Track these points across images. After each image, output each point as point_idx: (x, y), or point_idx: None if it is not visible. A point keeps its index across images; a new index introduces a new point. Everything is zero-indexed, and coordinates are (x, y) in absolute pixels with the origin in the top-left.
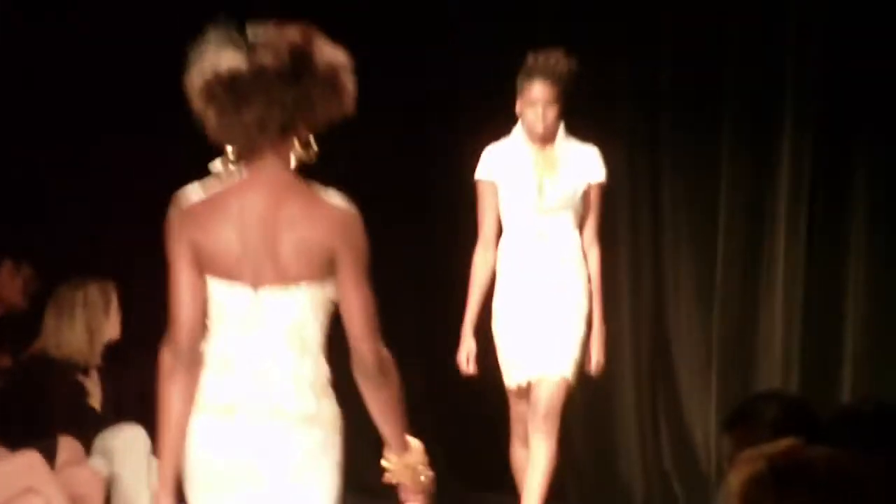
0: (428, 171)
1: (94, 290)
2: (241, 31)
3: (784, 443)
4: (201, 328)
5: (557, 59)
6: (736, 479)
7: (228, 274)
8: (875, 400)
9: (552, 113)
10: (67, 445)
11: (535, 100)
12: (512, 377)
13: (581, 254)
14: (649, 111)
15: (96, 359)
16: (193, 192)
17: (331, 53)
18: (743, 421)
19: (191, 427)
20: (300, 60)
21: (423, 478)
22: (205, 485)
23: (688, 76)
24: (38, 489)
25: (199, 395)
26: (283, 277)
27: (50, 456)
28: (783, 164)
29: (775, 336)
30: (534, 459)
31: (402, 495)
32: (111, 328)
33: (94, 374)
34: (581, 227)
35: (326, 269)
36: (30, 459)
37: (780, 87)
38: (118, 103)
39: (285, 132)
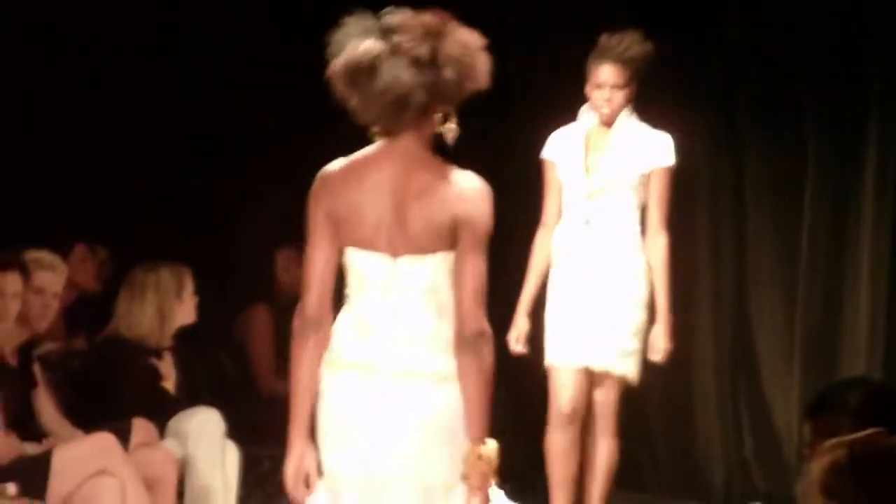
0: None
1: (166, 274)
2: (378, 18)
3: (867, 431)
4: (330, 295)
5: (630, 43)
6: (816, 468)
7: (367, 244)
8: None
9: (619, 97)
10: (141, 427)
11: (603, 82)
12: (564, 357)
13: (637, 240)
14: (733, 99)
15: (167, 341)
16: (334, 165)
17: (464, 35)
18: (825, 408)
19: (330, 383)
20: (434, 43)
21: (490, 477)
22: (341, 438)
23: (771, 63)
24: (111, 471)
25: (340, 355)
26: (418, 248)
27: (124, 438)
28: (869, 155)
29: (859, 326)
30: (597, 459)
31: (467, 488)
32: (184, 312)
33: (168, 357)
34: (643, 213)
35: (454, 240)
36: (104, 441)
37: (866, 76)
38: (191, 86)
39: (423, 111)
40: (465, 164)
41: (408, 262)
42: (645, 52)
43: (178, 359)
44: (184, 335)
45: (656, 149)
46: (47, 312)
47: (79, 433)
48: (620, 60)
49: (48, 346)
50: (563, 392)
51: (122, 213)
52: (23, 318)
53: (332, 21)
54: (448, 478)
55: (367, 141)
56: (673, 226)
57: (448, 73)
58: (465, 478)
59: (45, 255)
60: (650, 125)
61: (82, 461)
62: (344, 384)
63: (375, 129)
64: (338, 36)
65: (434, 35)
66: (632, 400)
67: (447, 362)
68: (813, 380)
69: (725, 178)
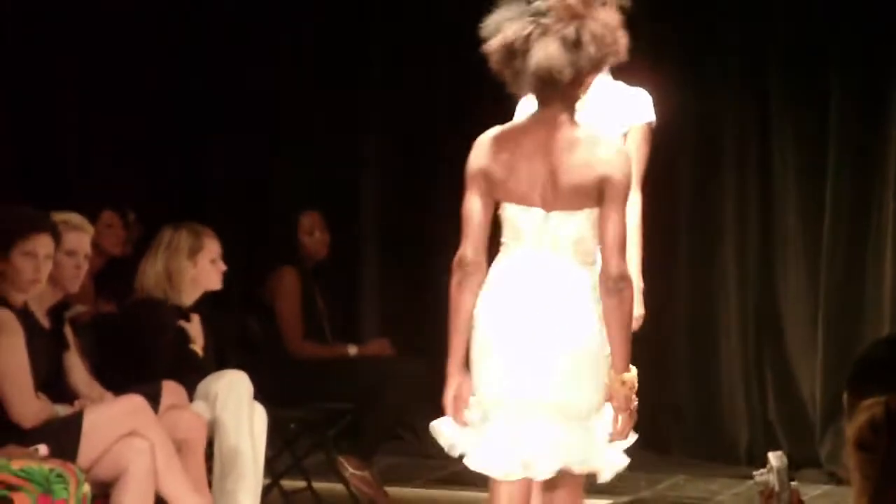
0: None
1: (182, 233)
2: (529, 2)
3: None
4: (485, 244)
5: None
6: (853, 425)
7: (522, 200)
8: None
9: None
10: (170, 390)
11: None
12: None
13: None
14: (759, 56)
15: (181, 300)
16: (491, 130)
17: (604, 15)
18: (861, 373)
19: (486, 318)
20: (579, 24)
21: (632, 399)
22: (494, 366)
23: (797, 18)
24: (142, 432)
25: (497, 296)
26: (568, 204)
27: (153, 400)
28: (892, 113)
29: (884, 288)
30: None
31: (613, 409)
32: (203, 276)
33: (196, 320)
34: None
35: (599, 197)
36: (133, 403)
37: (892, 33)
38: (216, 48)
39: (569, 84)
40: None
41: (559, 216)
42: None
43: (205, 322)
44: (211, 298)
45: (633, 106)
46: (79, 273)
47: (109, 395)
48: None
49: (79, 309)
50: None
51: (150, 178)
52: (54, 281)
53: None
54: (592, 401)
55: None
56: (698, 187)
57: (591, 50)
58: (610, 399)
59: (73, 217)
60: (670, 82)
61: (112, 423)
62: (500, 320)
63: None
64: (493, 17)
65: (579, 17)
66: (657, 363)
67: (590, 302)
68: (837, 341)
69: (750, 138)
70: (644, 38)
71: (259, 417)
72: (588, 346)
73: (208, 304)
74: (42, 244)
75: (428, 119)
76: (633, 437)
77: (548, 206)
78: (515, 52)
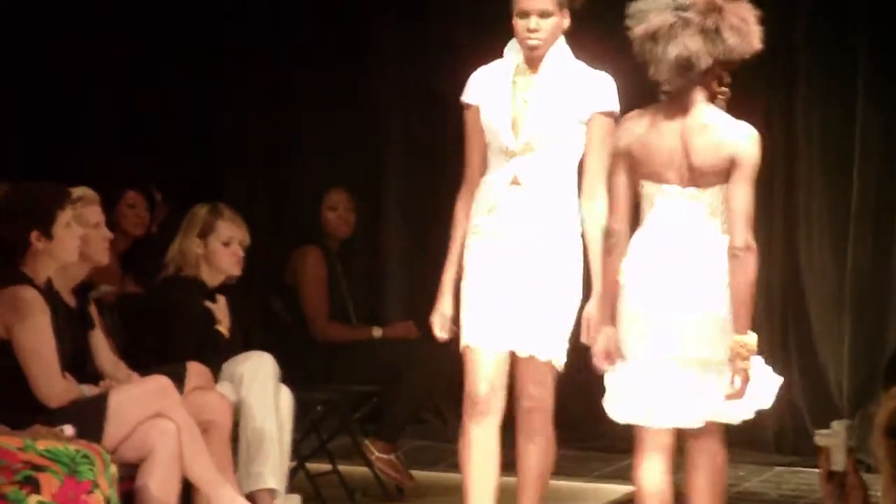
0: None
1: (198, 213)
2: None
3: None
4: (629, 214)
5: None
6: (882, 412)
7: (659, 178)
8: None
9: (548, 26)
10: (196, 371)
11: (526, 8)
12: (482, 339)
13: (574, 205)
14: (786, 46)
15: (201, 280)
16: (633, 113)
17: (741, 9)
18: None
19: (631, 276)
20: (718, 17)
21: (747, 361)
22: (635, 323)
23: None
24: (167, 413)
25: (640, 263)
26: (702, 181)
27: (179, 381)
28: None
29: None
30: (523, 462)
31: (731, 369)
32: (214, 257)
33: (222, 301)
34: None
35: (727, 174)
36: (159, 384)
37: None
38: (237, 29)
39: (705, 72)
40: None
41: (692, 192)
42: None
43: (231, 303)
44: (236, 280)
45: (593, 92)
46: (106, 245)
47: (135, 376)
48: None
49: (104, 289)
50: (480, 373)
51: (172, 157)
52: (83, 255)
53: None
54: (721, 357)
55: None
56: None
57: (729, 41)
58: (730, 360)
59: (88, 191)
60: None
61: (138, 404)
62: (644, 287)
63: (665, 88)
64: (637, 6)
65: (718, 10)
66: None
67: (720, 270)
68: (863, 327)
69: (777, 120)
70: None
71: (285, 399)
72: (717, 308)
73: (233, 285)
74: (66, 216)
75: (454, 97)
76: (773, 388)
77: (683, 182)
78: (658, 40)
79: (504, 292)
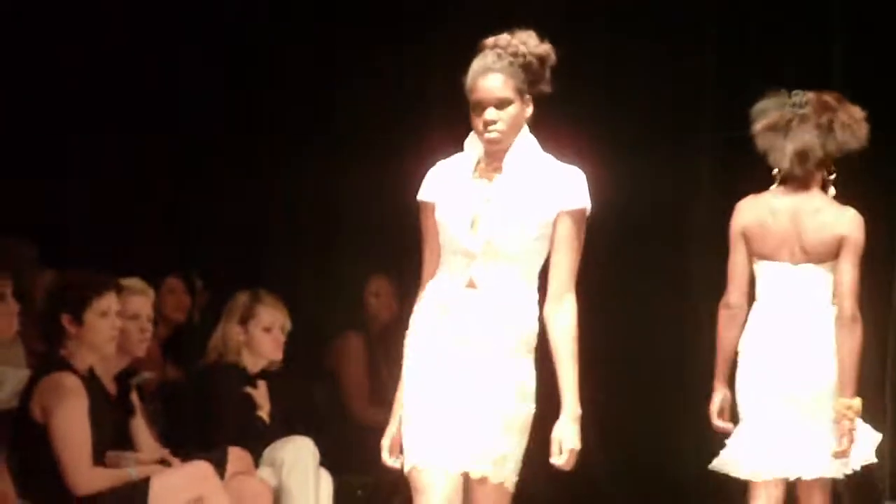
0: None
1: (239, 300)
2: (790, 95)
3: None
4: (746, 289)
5: (517, 45)
6: None
7: (772, 256)
8: None
9: (507, 118)
10: (237, 456)
11: (482, 100)
12: (429, 459)
13: (534, 311)
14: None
15: (243, 366)
16: (748, 197)
17: (852, 109)
18: None
19: (750, 347)
20: (831, 115)
21: (853, 422)
22: (761, 378)
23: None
24: (208, 499)
25: (759, 333)
26: (813, 258)
27: (220, 466)
28: None
29: None
30: None
31: (838, 429)
32: (255, 343)
33: (263, 386)
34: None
35: (838, 252)
36: (201, 469)
37: None
38: (279, 118)
39: (819, 162)
40: None
41: (804, 268)
42: (541, 54)
43: (271, 388)
44: (279, 366)
45: (562, 189)
46: (144, 337)
47: (176, 462)
48: (506, 68)
49: (146, 376)
50: (434, 496)
51: (215, 244)
52: (121, 347)
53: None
54: (830, 417)
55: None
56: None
57: (839, 137)
58: (836, 421)
59: (135, 282)
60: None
61: (179, 489)
62: (764, 354)
63: (778, 173)
64: (759, 104)
65: (832, 109)
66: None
67: (829, 340)
68: None
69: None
70: None
71: (325, 484)
72: (828, 374)
73: (274, 370)
74: (114, 302)
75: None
76: (874, 444)
77: (794, 260)
78: (778, 132)
79: (454, 408)
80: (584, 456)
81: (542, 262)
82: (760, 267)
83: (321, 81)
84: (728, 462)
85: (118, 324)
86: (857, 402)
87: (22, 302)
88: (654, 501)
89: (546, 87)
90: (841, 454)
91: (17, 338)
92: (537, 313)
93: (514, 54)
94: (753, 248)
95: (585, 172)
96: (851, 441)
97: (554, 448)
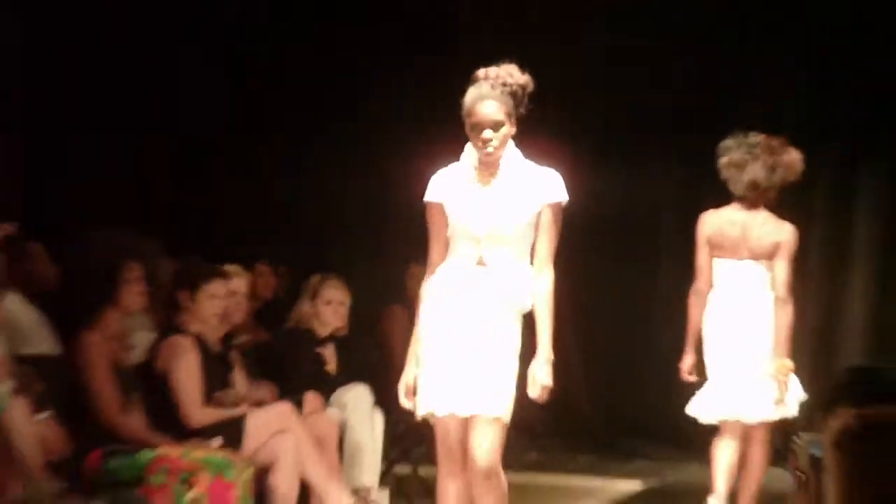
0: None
1: (311, 281)
2: (747, 137)
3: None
4: (710, 279)
5: (506, 76)
6: (829, 432)
7: (728, 254)
8: None
9: (501, 135)
10: (311, 399)
11: (480, 121)
12: (434, 406)
13: (530, 280)
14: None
15: (316, 331)
16: (710, 211)
17: (793, 153)
18: (835, 391)
19: (711, 319)
20: (776, 156)
21: (787, 378)
22: (721, 341)
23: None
24: (290, 431)
25: (718, 311)
26: (755, 256)
27: (299, 406)
28: None
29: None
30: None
31: (776, 382)
32: (321, 315)
33: (330, 347)
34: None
35: (773, 254)
36: (284, 409)
37: None
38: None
39: (765, 190)
40: None
41: (751, 264)
42: (523, 84)
43: (337, 348)
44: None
45: (545, 186)
46: (241, 309)
47: (266, 402)
48: (498, 95)
49: (242, 338)
50: (451, 437)
51: (296, 238)
52: (223, 316)
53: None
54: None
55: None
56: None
57: (781, 174)
58: (775, 376)
59: (235, 268)
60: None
61: (268, 423)
62: (722, 326)
63: (736, 195)
64: (725, 144)
65: (777, 152)
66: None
67: (770, 316)
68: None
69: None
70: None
71: (378, 420)
72: (767, 341)
73: (342, 335)
74: (220, 287)
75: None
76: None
77: (743, 257)
78: (737, 167)
79: (463, 362)
80: (574, 392)
81: (531, 242)
82: (718, 263)
83: (380, 99)
84: (699, 408)
85: (222, 302)
86: (789, 362)
87: (150, 283)
88: (628, 428)
89: (523, 110)
90: (779, 401)
91: (146, 310)
92: (531, 285)
93: (504, 84)
94: (714, 249)
95: (588, 177)
96: (786, 391)
97: (529, 383)
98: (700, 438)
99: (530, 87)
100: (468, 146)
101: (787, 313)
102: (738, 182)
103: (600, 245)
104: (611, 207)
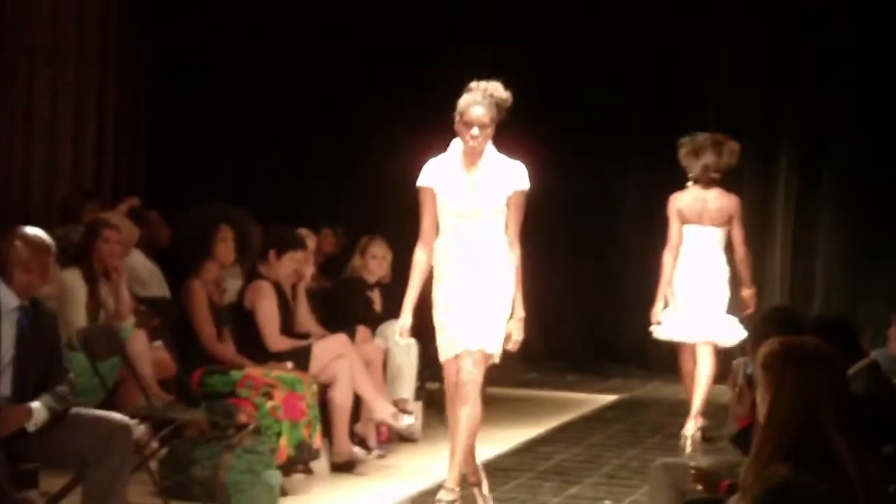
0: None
1: (362, 241)
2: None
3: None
4: (679, 243)
5: (494, 90)
6: (759, 356)
7: (692, 222)
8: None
9: (486, 133)
10: (362, 331)
11: (473, 120)
12: (445, 352)
13: (506, 249)
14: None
15: (359, 274)
16: (679, 192)
17: (733, 144)
18: (762, 325)
19: (678, 271)
20: (721, 147)
21: (751, 304)
22: (679, 286)
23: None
24: (346, 356)
25: (685, 264)
26: (714, 223)
27: (352, 337)
28: None
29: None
30: (455, 421)
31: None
32: (370, 266)
33: (377, 292)
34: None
35: (728, 220)
36: (342, 339)
37: None
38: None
39: (714, 171)
40: None
41: (710, 229)
42: (505, 98)
43: (382, 293)
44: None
45: (515, 176)
46: (309, 262)
47: (328, 334)
48: (486, 103)
49: (310, 285)
50: (453, 377)
51: (353, 205)
52: (296, 271)
53: None
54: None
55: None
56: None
57: (725, 159)
58: (741, 309)
59: (306, 230)
60: None
61: (330, 350)
62: (686, 277)
63: (692, 177)
64: (683, 140)
65: (721, 144)
66: None
67: (724, 267)
68: None
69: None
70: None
71: (413, 348)
72: (722, 283)
73: (386, 283)
74: (300, 253)
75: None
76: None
77: (704, 224)
78: (693, 155)
79: (462, 310)
80: (564, 325)
81: (504, 219)
82: (686, 228)
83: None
84: (664, 332)
85: (298, 262)
86: (753, 290)
87: (240, 242)
88: (605, 353)
89: (502, 118)
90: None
91: (236, 263)
92: (508, 252)
93: (491, 95)
94: (683, 219)
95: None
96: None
97: (505, 338)
98: (660, 361)
99: (509, 101)
100: (455, 141)
101: (748, 259)
102: (695, 167)
103: (580, 218)
104: (595, 190)
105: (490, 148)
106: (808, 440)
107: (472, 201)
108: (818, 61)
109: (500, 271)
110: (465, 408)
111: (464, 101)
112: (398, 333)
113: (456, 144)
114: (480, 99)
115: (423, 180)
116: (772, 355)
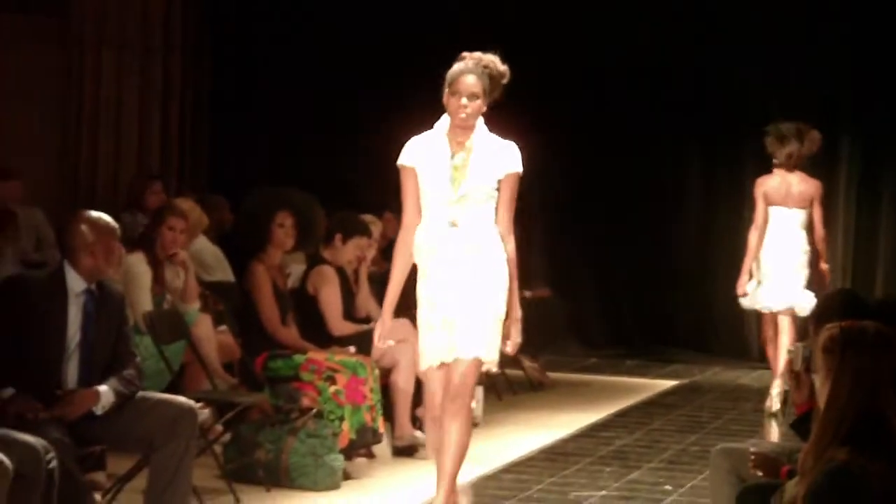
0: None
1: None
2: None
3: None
4: (765, 224)
5: (489, 60)
6: (820, 339)
7: (776, 204)
8: None
9: (476, 105)
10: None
11: (462, 90)
12: (429, 359)
13: (498, 239)
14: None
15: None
16: (766, 175)
17: (815, 134)
18: (822, 311)
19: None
20: (804, 137)
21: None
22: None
23: None
24: (407, 340)
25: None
26: (798, 205)
27: (414, 322)
28: None
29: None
30: (446, 439)
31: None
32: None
33: None
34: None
35: (811, 202)
36: (404, 323)
37: None
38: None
39: (798, 157)
40: None
41: (794, 211)
42: (501, 71)
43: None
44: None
45: (508, 157)
46: (372, 247)
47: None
48: (479, 73)
49: (372, 269)
50: (434, 389)
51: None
52: (357, 257)
53: None
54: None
55: None
56: None
57: (808, 146)
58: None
59: (370, 216)
60: None
61: (392, 333)
62: (776, 247)
63: (776, 163)
64: (771, 128)
65: (804, 132)
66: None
67: (807, 248)
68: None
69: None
70: None
71: None
72: (803, 257)
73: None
74: (364, 240)
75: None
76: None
77: (789, 206)
78: (778, 142)
79: (452, 313)
80: (623, 312)
81: (495, 205)
82: (772, 210)
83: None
84: (749, 303)
85: (363, 243)
86: (827, 266)
87: (302, 227)
88: (665, 338)
89: (498, 96)
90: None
91: (298, 246)
92: (501, 242)
93: (485, 66)
94: (768, 201)
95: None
96: (826, 287)
97: (504, 340)
98: (720, 346)
99: (507, 76)
100: (443, 118)
101: (827, 238)
102: (780, 154)
103: (639, 204)
104: (653, 176)
105: (481, 125)
106: (867, 424)
107: (462, 185)
108: (876, 52)
109: (493, 267)
110: (456, 424)
111: (455, 69)
112: (377, 339)
113: (443, 122)
114: (472, 67)
115: (404, 159)
116: (832, 339)
